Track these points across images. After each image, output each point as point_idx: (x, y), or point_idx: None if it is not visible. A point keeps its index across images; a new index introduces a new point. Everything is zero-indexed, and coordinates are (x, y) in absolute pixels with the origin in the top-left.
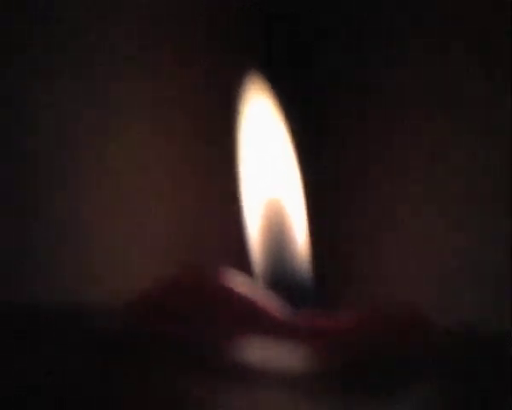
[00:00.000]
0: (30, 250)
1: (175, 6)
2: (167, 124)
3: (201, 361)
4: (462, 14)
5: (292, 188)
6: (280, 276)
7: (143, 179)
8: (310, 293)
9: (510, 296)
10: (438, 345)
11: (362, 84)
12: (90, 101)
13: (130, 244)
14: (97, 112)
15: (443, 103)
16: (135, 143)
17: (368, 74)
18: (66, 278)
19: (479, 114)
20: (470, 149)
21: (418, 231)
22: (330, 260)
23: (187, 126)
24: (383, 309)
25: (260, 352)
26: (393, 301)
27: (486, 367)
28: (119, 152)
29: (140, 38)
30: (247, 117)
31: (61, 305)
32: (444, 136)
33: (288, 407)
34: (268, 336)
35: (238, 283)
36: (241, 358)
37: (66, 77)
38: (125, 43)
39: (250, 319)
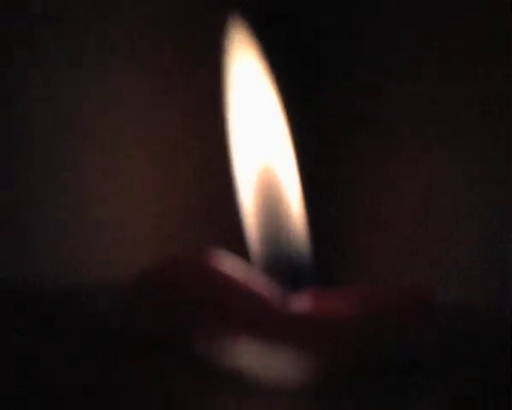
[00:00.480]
0: (20, 236)
1: None
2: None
3: (190, 362)
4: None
5: (286, 161)
6: (277, 256)
7: (132, 158)
8: (308, 272)
9: None
10: (440, 329)
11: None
12: (86, 91)
13: (122, 226)
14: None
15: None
16: (125, 121)
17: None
18: (58, 263)
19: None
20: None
21: (420, 209)
22: (329, 238)
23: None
24: (383, 292)
25: (254, 354)
26: (394, 283)
27: (488, 350)
28: (107, 132)
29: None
30: (235, 82)
31: (51, 289)
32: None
33: None
34: (263, 326)
35: (232, 266)
36: (232, 360)
37: (63, 68)
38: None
39: (244, 305)
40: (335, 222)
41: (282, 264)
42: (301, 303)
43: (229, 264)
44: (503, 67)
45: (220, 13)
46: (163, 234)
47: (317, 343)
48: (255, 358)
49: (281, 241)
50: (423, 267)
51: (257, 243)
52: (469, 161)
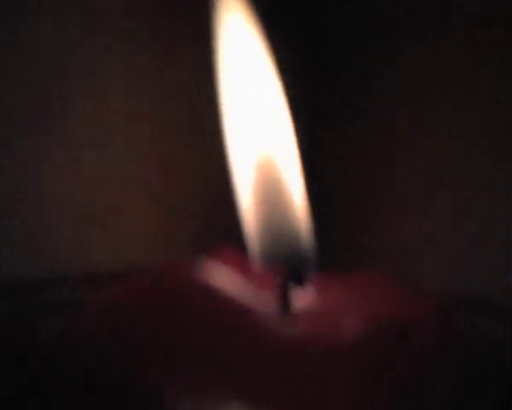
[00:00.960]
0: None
1: None
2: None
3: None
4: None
5: (285, 147)
6: (278, 247)
7: (126, 141)
8: (311, 264)
9: None
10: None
11: None
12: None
13: (113, 214)
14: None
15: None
16: (114, 106)
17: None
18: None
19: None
20: None
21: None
22: (331, 226)
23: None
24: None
25: None
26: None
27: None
28: (95, 115)
29: None
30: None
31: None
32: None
33: None
34: (254, 348)
35: (224, 278)
36: None
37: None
38: None
39: (235, 330)
40: (337, 209)
41: (283, 255)
42: (295, 324)
43: (220, 275)
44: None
45: None
46: (153, 227)
47: (314, 377)
48: None
49: (282, 232)
50: (428, 254)
51: (257, 234)
52: (470, 144)
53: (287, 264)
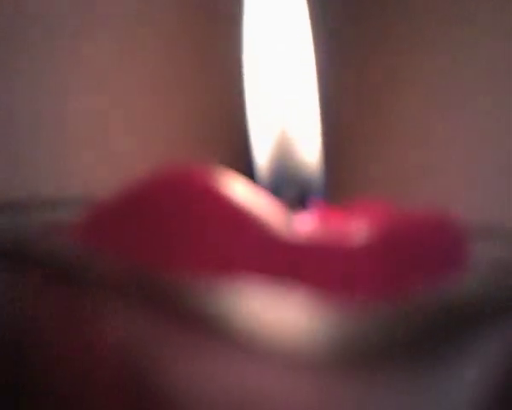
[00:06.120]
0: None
1: None
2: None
3: (164, 306)
4: None
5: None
6: (284, 173)
7: (137, 73)
8: (317, 189)
9: None
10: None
11: None
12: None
13: (123, 137)
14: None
15: None
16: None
17: None
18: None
19: None
20: None
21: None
22: (339, 157)
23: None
24: (407, 217)
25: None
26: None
27: None
28: (109, 29)
29: None
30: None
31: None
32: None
33: (289, 387)
34: (267, 262)
35: (232, 186)
36: (218, 309)
37: None
38: None
39: (242, 235)
40: (345, 142)
41: (289, 183)
42: (306, 225)
43: (228, 183)
44: None
45: None
46: (156, 153)
47: (324, 277)
48: (255, 302)
49: (289, 161)
50: (431, 187)
51: (265, 163)
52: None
53: (293, 188)
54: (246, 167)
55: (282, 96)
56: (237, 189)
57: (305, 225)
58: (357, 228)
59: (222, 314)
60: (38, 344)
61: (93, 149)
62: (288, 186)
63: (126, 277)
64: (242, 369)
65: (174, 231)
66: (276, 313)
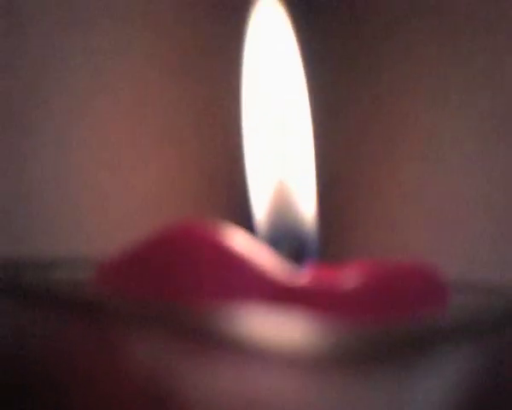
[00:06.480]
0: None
1: None
2: (168, 65)
3: (184, 331)
4: None
5: (299, 144)
6: (283, 230)
7: (138, 130)
8: (313, 248)
9: None
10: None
11: None
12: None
13: (122, 197)
14: (87, 68)
15: None
16: (126, 93)
17: None
18: (52, 229)
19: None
20: None
21: (429, 184)
22: (335, 213)
23: (188, 70)
24: (392, 265)
25: (254, 321)
26: (401, 258)
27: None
28: (113, 95)
29: None
30: (254, 42)
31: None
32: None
33: (291, 387)
34: (267, 301)
35: (235, 239)
36: (231, 328)
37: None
38: None
39: (246, 280)
40: (338, 198)
41: (286, 238)
42: (305, 276)
43: (232, 237)
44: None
45: None
46: (159, 213)
47: (321, 314)
48: (260, 324)
49: (287, 216)
50: (427, 242)
51: (263, 217)
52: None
53: (290, 243)
54: (245, 221)
55: (280, 151)
56: (239, 241)
57: (301, 274)
58: (347, 277)
59: (235, 332)
60: (65, 380)
61: (95, 212)
62: (286, 241)
63: (147, 308)
64: (253, 374)
65: (183, 278)
66: (279, 329)
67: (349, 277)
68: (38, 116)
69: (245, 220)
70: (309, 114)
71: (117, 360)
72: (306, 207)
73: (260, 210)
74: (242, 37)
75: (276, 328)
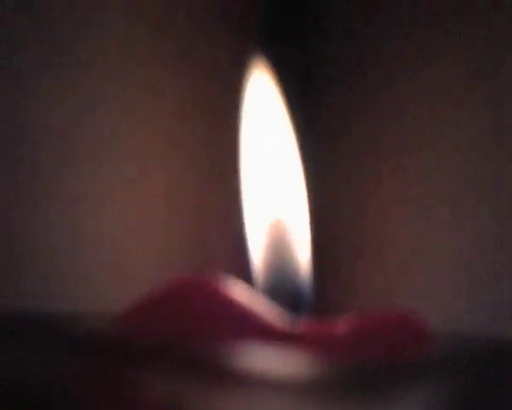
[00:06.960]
0: (27, 254)
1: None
2: (167, 127)
3: (197, 366)
4: None
5: (294, 200)
6: (279, 283)
7: (143, 185)
8: (308, 300)
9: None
10: (435, 351)
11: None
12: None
13: (129, 252)
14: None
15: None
16: (134, 147)
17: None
18: (63, 285)
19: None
20: None
21: (420, 240)
22: (330, 267)
23: (187, 129)
24: (380, 315)
25: (258, 357)
26: (391, 309)
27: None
28: (118, 155)
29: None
30: (249, 111)
31: (58, 312)
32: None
33: None
34: (266, 344)
35: (236, 290)
36: (238, 363)
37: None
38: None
39: (248, 327)
40: (337, 253)
41: (283, 292)
42: (300, 324)
43: (233, 288)
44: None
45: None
46: (162, 263)
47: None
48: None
49: (284, 269)
50: (418, 293)
51: (260, 268)
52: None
53: (286, 295)
54: (244, 273)
55: (276, 205)
56: (239, 292)
57: (296, 322)
58: (338, 326)
59: (242, 368)
60: None
61: (106, 269)
62: (282, 292)
63: (165, 348)
64: (258, 403)
65: (194, 325)
66: (279, 363)
67: (340, 326)
68: (47, 170)
69: (243, 271)
70: (301, 172)
71: (135, 398)
72: (302, 258)
73: (257, 259)
74: (240, 94)
75: (276, 363)
